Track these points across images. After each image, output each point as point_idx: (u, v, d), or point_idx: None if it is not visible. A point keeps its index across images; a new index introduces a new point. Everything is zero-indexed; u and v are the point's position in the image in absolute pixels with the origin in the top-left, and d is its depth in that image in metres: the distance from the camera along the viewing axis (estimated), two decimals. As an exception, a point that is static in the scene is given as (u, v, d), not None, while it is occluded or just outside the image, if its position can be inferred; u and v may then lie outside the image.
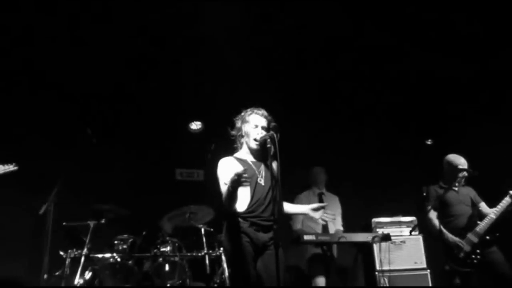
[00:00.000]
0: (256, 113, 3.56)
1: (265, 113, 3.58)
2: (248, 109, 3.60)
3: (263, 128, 3.50)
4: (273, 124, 3.52)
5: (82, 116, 6.06)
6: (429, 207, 4.82)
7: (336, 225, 5.50)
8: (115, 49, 5.64)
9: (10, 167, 3.48)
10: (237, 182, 3.11)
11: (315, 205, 3.66)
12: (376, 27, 5.59)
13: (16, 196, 5.45)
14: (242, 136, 3.57)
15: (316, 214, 3.62)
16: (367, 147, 6.77)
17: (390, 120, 6.81)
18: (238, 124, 3.58)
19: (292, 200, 5.47)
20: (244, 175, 3.10)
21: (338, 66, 6.25)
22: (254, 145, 3.49)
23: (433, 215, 4.81)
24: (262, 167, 3.53)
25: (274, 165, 3.46)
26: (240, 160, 3.51)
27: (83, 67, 5.75)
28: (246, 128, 3.54)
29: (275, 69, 6.15)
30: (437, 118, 6.72)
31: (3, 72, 5.62)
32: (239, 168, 3.30)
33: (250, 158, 3.55)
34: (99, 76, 5.92)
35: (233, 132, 3.62)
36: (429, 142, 5.82)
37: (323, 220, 3.88)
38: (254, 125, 3.51)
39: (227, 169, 3.40)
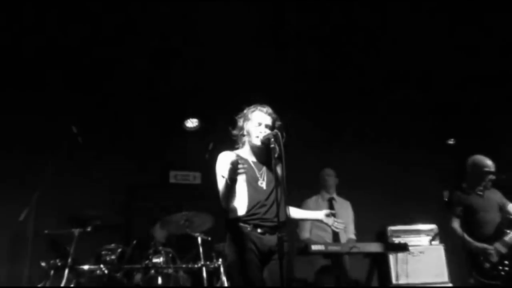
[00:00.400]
0: (260, 110, 3.53)
1: (270, 110, 3.55)
2: (252, 106, 3.57)
3: (267, 126, 3.47)
4: (278, 123, 3.52)
5: (66, 113, 6.01)
6: (452, 214, 4.77)
7: (348, 233, 5.43)
8: (104, 41, 5.63)
9: None
10: (233, 171, 3.10)
11: (327, 211, 3.65)
12: (400, 19, 5.57)
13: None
14: (244, 135, 3.53)
15: (329, 220, 3.61)
16: (382, 147, 6.71)
17: (408, 117, 6.75)
18: (240, 122, 3.56)
19: (299, 206, 5.42)
20: (240, 165, 3.09)
21: (352, 60, 6.20)
22: (256, 144, 3.45)
23: (456, 222, 4.75)
24: (264, 169, 3.50)
25: (279, 167, 3.45)
26: (240, 158, 3.44)
27: (67, 60, 5.74)
28: (249, 126, 3.51)
29: (282, 60, 6.09)
30: (460, 115, 6.66)
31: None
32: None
33: (251, 159, 3.52)
34: (86, 70, 5.89)
35: (235, 132, 3.59)
36: (451, 141, 5.74)
37: (335, 228, 3.83)
38: (257, 123, 3.48)
39: (226, 162, 3.33)
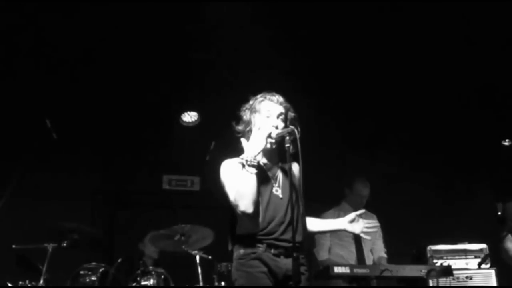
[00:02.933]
0: (269, 99, 3.49)
1: (281, 98, 3.50)
2: (259, 95, 3.53)
3: (279, 117, 3.43)
4: (292, 114, 3.48)
5: (39, 107, 6.10)
6: (505, 232, 4.78)
7: (376, 252, 5.46)
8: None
9: None
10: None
11: (352, 215, 3.64)
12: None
13: None
14: (251, 131, 3.52)
15: (356, 227, 3.63)
16: (421, 153, 6.74)
17: (454, 117, 6.76)
18: (246, 116, 3.50)
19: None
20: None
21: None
22: (268, 143, 3.45)
23: (510, 241, 4.76)
24: (279, 173, 3.48)
25: (296, 169, 3.42)
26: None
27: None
28: (257, 120, 3.46)
29: (296, 43, 6.13)
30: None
31: None
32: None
33: (262, 160, 3.47)
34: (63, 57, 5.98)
35: (240, 128, 3.55)
36: (506, 143, 5.74)
37: (364, 234, 3.82)
38: (267, 115, 3.46)
39: (233, 171, 3.34)
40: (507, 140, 5.68)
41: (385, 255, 5.48)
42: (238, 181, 3.22)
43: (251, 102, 3.53)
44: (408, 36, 5.87)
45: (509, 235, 4.81)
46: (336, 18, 5.68)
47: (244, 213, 3.20)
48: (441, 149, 6.76)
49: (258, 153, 3.24)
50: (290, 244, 3.19)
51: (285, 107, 3.48)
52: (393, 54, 6.07)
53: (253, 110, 3.49)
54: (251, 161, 3.17)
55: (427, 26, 5.77)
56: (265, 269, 3.24)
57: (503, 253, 4.84)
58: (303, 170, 3.28)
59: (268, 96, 3.50)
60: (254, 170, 3.17)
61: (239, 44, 5.86)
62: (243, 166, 3.20)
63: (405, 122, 6.82)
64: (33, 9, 5.47)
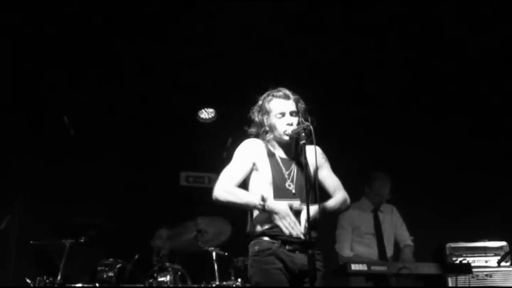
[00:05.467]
0: (277, 96, 3.48)
1: (288, 92, 3.50)
2: (265, 95, 3.52)
3: (292, 113, 3.43)
4: (302, 105, 3.49)
5: (57, 103, 6.14)
6: None
7: (402, 241, 5.53)
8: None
9: None
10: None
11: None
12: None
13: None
14: (267, 132, 3.49)
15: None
16: (441, 147, 6.64)
17: (477, 112, 6.68)
18: (258, 117, 3.50)
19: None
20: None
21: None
22: (284, 139, 3.44)
23: None
24: (294, 167, 3.46)
25: (312, 153, 3.38)
26: (269, 153, 3.46)
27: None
28: (270, 120, 3.46)
29: (311, 40, 6.09)
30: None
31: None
32: (266, 172, 3.36)
33: (279, 153, 3.49)
34: (79, 50, 5.97)
35: (253, 130, 3.55)
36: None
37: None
38: (279, 113, 3.43)
39: (248, 154, 3.41)
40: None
41: (411, 243, 5.49)
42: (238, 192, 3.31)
43: (260, 102, 3.53)
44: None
45: None
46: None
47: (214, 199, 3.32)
48: (464, 145, 6.68)
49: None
50: (304, 239, 3.21)
51: (294, 100, 3.49)
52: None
53: (264, 111, 3.48)
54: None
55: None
56: (280, 265, 3.25)
57: None
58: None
59: (274, 94, 3.49)
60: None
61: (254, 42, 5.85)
62: (262, 199, 3.22)
63: (428, 115, 6.76)
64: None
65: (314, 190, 3.34)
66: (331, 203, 3.46)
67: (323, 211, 3.29)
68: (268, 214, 3.26)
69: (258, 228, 3.34)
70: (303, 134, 3.26)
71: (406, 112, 6.82)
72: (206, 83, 6.49)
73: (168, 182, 6.90)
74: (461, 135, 6.74)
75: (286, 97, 3.47)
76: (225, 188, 3.32)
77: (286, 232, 3.18)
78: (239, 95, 5.89)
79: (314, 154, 3.37)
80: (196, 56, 6.22)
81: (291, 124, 3.39)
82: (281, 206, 3.22)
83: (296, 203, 3.28)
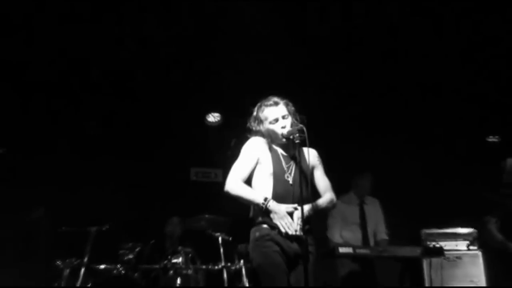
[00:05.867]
0: (268, 105, 3.48)
1: (276, 99, 3.50)
2: (257, 106, 3.53)
3: (284, 117, 3.44)
4: (292, 108, 3.50)
5: (83, 108, 6.11)
6: (491, 217, 4.73)
7: (379, 234, 5.41)
8: (122, 33, 5.63)
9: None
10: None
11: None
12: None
13: (5, 197, 5.54)
14: (270, 136, 3.50)
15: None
16: (416, 146, 6.60)
17: (443, 115, 6.61)
18: (255, 127, 3.52)
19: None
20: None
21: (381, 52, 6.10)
22: (282, 141, 3.45)
23: (493, 226, 4.71)
24: (292, 164, 3.46)
25: (308, 154, 3.47)
26: (272, 149, 3.48)
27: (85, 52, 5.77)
28: (267, 127, 3.47)
29: (305, 49, 6.04)
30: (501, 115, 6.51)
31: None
32: (268, 165, 3.36)
33: (280, 151, 3.50)
34: (103, 62, 5.94)
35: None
36: (492, 139, 5.62)
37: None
38: (273, 120, 3.44)
39: (253, 151, 3.42)
40: (493, 136, 5.53)
41: (386, 237, 5.44)
42: (244, 189, 3.33)
43: (254, 113, 3.54)
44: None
45: (493, 220, 4.73)
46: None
47: (225, 192, 3.35)
48: (438, 140, 6.65)
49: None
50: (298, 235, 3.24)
51: (284, 104, 3.49)
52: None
53: (259, 121, 3.50)
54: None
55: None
56: (278, 248, 3.25)
57: (486, 235, 4.77)
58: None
59: (266, 103, 3.49)
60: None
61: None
62: (265, 199, 3.26)
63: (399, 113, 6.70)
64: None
65: (307, 183, 3.36)
66: (320, 202, 3.46)
67: (313, 209, 3.32)
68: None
69: (259, 218, 3.34)
70: (297, 134, 3.29)
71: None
72: (214, 91, 6.47)
73: (180, 177, 6.89)
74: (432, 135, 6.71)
75: (276, 104, 3.47)
76: (236, 184, 3.34)
77: (283, 230, 3.20)
78: (241, 102, 5.88)
79: (311, 155, 3.50)
80: (206, 69, 6.20)
81: (285, 127, 3.42)
82: (280, 208, 3.24)
83: (292, 207, 3.28)
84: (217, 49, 5.94)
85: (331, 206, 3.55)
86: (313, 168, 3.54)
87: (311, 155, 3.52)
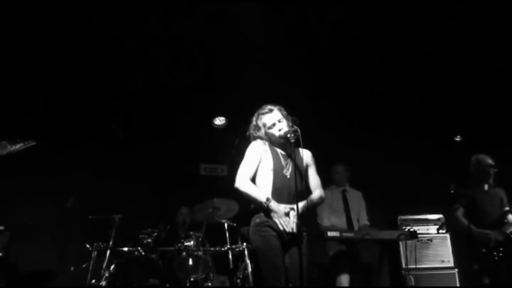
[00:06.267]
0: (264, 113, 3.53)
1: (270, 106, 3.55)
2: (255, 115, 3.57)
3: (279, 120, 3.48)
4: (284, 111, 3.54)
5: (107, 110, 6.11)
6: (457, 205, 4.76)
7: (361, 221, 5.42)
8: (136, 41, 5.60)
9: (31, 143, 3.39)
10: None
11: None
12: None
13: (44, 189, 5.54)
14: (269, 138, 3.54)
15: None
16: (392, 143, 6.57)
17: (416, 116, 6.60)
18: (257, 133, 3.54)
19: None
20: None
21: (361, 57, 6.08)
22: (280, 141, 3.50)
23: (460, 213, 4.75)
24: (289, 160, 3.49)
25: (305, 155, 3.54)
26: (272, 149, 3.50)
27: (102, 60, 5.76)
28: (265, 131, 3.51)
29: (299, 61, 6.05)
30: (465, 114, 6.50)
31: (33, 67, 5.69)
32: (269, 162, 3.39)
33: (279, 150, 3.53)
34: (123, 70, 5.94)
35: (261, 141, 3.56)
36: (458, 138, 5.62)
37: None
38: (271, 124, 3.49)
39: (256, 152, 3.44)
40: (458, 136, 5.50)
41: (368, 223, 5.43)
42: (253, 191, 3.33)
43: (254, 122, 3.57)
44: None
45: (458, 208, 4.77)
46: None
47: (236, 187, 3.36)
48: (414, 144, 6.54)
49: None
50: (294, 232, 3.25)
51: (277, 110, 3.53)
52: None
53: (258, 128, 3.53)
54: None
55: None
56: (274, 233, 3.28)
57: (454, 221, 4.80)
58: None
59: (262, 112, 3.54)
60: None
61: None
62: (267, 199, 3.29)
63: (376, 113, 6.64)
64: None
65: (301, 178, 3.38)
66: (312, 198, 3.50)
67: (307, 206, 3.37)
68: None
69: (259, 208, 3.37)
70: (292, 134, 3.34)
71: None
72: (220, 98, 6.49)
73: (191, 172, 6.86)
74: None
75: (271, 111, 3.52)
76: (244, 182, 3.37)
77: (281, 228, 3.24)
78: (243, 107, 5.89)
79: (306, 155, 3.55)
80: (213, 78, 6.19)
81: (281, 129, 3.46)
82: (279, 208, 3.27)
83: (290, 207, 3.30)
84: (223, 59, 5.93)
85: (320, 202, 3.59)
86: (307, 166, 3.57)
87: (306, 155, 3.57)
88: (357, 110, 6.62)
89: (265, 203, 3.28)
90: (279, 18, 5.33)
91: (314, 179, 3.60)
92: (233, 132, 6.60)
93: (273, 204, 3.27)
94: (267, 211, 3.29)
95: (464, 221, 4.61)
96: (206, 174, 7.00)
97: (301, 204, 3.25)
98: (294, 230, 3.22)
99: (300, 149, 3.53)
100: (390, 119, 6.66)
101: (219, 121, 6.98)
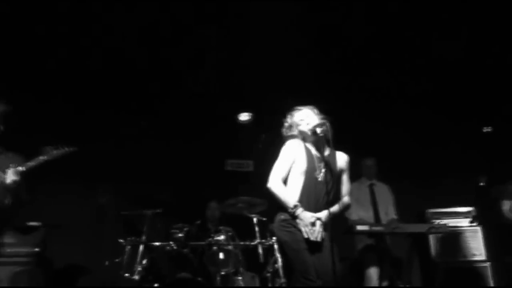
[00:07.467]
0: (295, 112, 3.57)
1: (299, 107, 3.59)
2: (287, 116, 3.60)
3: (309, 116, 3.51)
4: (315, 110, 3.55)
5: (137, 108, 6.22)
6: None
7: (390, 214, 5.39)
8: (164, 36, 5.62)
9: (72, 149, 3.59)
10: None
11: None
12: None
13: (79, 186, 5.69)
14: (301, 135, 3.54)
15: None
16: (421, 134, 6.48)
17: (445, 106, 6.46)
18: (290, 132, 3.56)
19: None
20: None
21: (389, 52, 6.02)
22: (311, 137, 3.49)
23: (507, 206, 4.67)
24: (323, 162, 3.46)
25: (340, 158, 3.51)
26: (306, 150, 3.49)
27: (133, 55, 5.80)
28: (298, 129, 3.53)
29: (325, 57, 6.03)
30: (495, 104, 6.37)
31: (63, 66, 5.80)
32: (302, 163, 3.37)
33: (314, 152, 3.50)
34: (152, 68, 6.00)
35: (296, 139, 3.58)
36: (487, 129, 5.54)
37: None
38: (300, 120, 3.52)
39: (290, 153, 3.43)
40: (487, 127, 5.41)
41: (396, 217, 5.39)
42: (285, 196, 3.33)
43: (289, 121, 3.59)
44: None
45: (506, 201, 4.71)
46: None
47: (268, 187, 3.37)
48: (444, 138, 6.46)
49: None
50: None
51: (308, 108, 3.56)
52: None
53: (292, 127, 3.56)
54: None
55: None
56: (299, 231, 3.30)
57: (506, 214, 4.73)
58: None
59: (293, 113, 3.58)
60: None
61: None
62: (294, 206, 3.29)
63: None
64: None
65: (334, 183, 3.40)
66: (340, 205, 3.52)
67: (334, 214, 3.36)
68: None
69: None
70: (320, 128, 3.38)
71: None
72: (245, 95, 6.51)
73: (217, 167, 6.92)
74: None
75: (301, 109, 3.57)
76: (276, 183, 3.38)
77: (305, 236, 3.25)
78: (268, 103, 5.93)
79: (341, 159, 3.52)
80: (240, 77, 6.23)
81: (309, 123, 3.47)
82: (305, 216, 3.27)
83: (316, 217, 3.31)
84: (248, 55, 5.95)
85: (346, 210, 3.64)
86: (341, 170, 3.53)
87: (341, 159, 3.53)
88: (385, 104, 6.56)
89: (292, 209, 3.29)
90: (308, 18, 5.32)
91: (346, 186, 3.58)
92: (258, 127, 6.66)
93: (300, 212, 3.28)
94: (293, 217, 3.31)
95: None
96: (232, 170, 7.04)
97: (331, 211, 3.27)
98: (319, 239, 3.25)
99: (337, 152, 3.50)
100: (416, 107, 6.55)
101: (244, 116, 7.01)
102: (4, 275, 4.59)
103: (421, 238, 5.25)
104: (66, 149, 3.41)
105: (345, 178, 3.58)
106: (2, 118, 3.47)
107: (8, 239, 4.42)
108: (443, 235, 5.13)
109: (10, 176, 3.26)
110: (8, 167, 3.37)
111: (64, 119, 5.76)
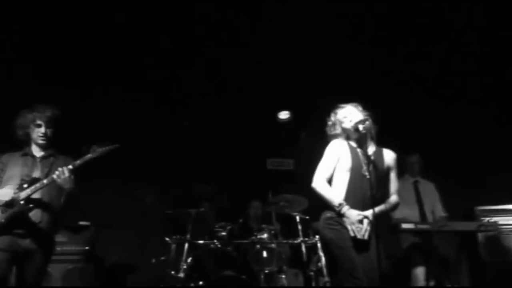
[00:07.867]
0: (340, 109, 3.55)
1: (342, 104, 3.57)
2: (331, 115, 3.59)
3: (352, 113, 3.48)
4: (360, 108, 3.52)
5: (179, 109, 6.31)
6: None
7: (437, 212, 5.26)
8: (200, 33, 5.65)
9: (116, 146, 3.68)
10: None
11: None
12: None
13: (125, 186, 5.85)
14: (345, 132, 3.53)
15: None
16: (468, 129, 6.28)
17: (495, 101, 6.24)
18: (334, 131, 3.55)
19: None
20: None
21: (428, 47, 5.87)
22: (355, 134, 3.46)
23: None
24: (369, 159, 3.42)
25: (387, 155, 3.49)
26: (351, 148, 3.47)
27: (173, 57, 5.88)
28: (342, 126, 3.52)
29: (364, 55, 5.94)
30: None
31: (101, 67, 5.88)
32: (347, 161, 3.35)
33: (359, 150, 3.48)
34: (191, 72, 6.08)
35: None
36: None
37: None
38: (343, 117, 3.50)
39: (335, 152, 3.43)
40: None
41: (444, 214, 5.25)
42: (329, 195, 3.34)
43: (333, 119, 3.58)
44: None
45: None
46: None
47: (312, 187, 3.37)
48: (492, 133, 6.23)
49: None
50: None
51: (352, 105, 3.54)
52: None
53: (336, 125, 3.55)
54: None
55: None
56: (344, 229, 3.29)
57: None
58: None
59: (336, 111, 3.57)
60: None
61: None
62: (339, 204, 3.28)
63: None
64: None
65: (380, 181, 3.36)
66: (388, 205, 3.48)
67: (382, 212, 3.35)
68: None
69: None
70: (361, 124, 3.34)
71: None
72: (285, 93, 6.48)
73: (258, 166, 6.95)
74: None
75: (343, 108, 3.54)
76: (321, 183, 3.39)
77: (351, 234, 3.22)
78: (307, 102, 5.92)
79: (388, 156, 3.48)
80: (278, 74, 6.24)
81: (352, 120, 3.45)
82: (351, 213, 3.25)
83: (363, 215, 3.27)
84: (288, 54, 5.95)
85: (394, 209, 3.58)
86: (388, 168, 3.49)
87: (388, 156, 3.50)
88: (431, 99, 6.38)
89: (338, 207, 3.27)
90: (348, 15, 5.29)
91: (394, 184, 3.53)
92: (298, 125, 6.63)
93: (346, 210, 3.26)
94: (339, 215, 3.29)
95: None
96: (273, 168, 7.06)
97: (377, 209, 3.22)
98: (365, 237, 3.21)
99: (384, 150, 3.48)
100: (463, 100, 6.37)
101: (284, 115, 7.00)
102: (57, 272, 4.77)
103: (470, 237, 5.07)
104: (111, 146, 3.49)
105: (392, 176, 3.52)
106: (53, 122, 3.60)
107: (60, 237, 4.60)
108: (493, 233, 4.92)
109: (64, 177, 3.38)
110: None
111: (109, 118, 5.91)
